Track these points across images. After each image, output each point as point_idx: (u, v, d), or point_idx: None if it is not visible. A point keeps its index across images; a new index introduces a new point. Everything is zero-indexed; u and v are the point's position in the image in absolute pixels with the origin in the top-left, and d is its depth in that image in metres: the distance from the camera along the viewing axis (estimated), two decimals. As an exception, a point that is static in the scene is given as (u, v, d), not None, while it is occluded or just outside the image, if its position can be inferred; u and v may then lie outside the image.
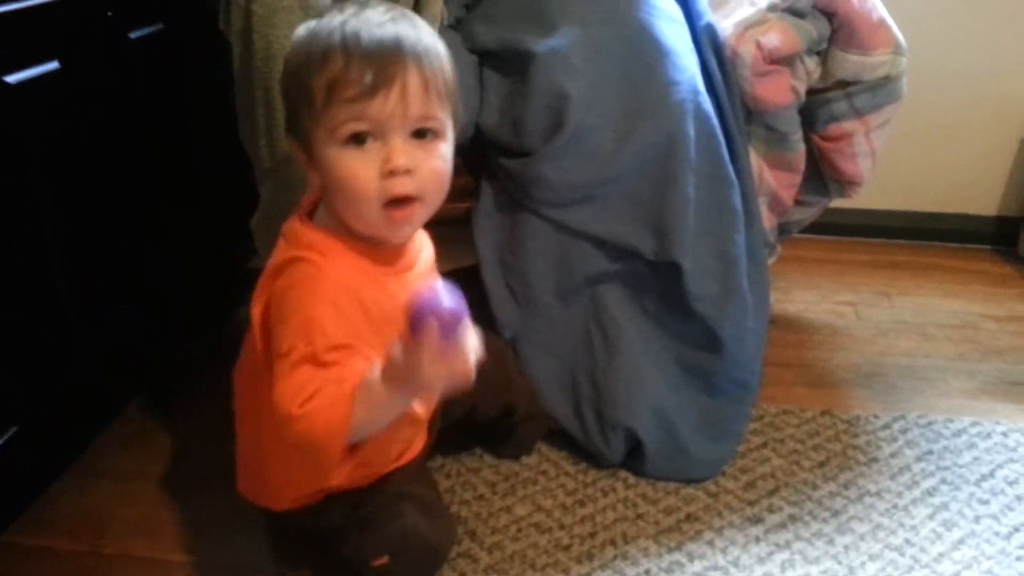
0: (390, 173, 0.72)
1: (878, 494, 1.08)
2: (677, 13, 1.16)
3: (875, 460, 1.14)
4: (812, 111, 1.23)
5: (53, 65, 1.01)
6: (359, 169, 0.73)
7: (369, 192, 0.73)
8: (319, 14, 0.78)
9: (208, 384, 1.29)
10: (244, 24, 0.97)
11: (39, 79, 0.98)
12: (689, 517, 1.03)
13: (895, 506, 1.05)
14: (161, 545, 0.98)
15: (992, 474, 1.11)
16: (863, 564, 0.97)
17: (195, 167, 1.33)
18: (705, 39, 1.14)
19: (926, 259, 1.73)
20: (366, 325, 0.75)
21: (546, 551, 0.98)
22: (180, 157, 1.29)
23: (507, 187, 1.14)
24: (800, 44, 1.14)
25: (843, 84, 1.20)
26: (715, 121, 1.09)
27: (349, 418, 0.68)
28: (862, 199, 1.60)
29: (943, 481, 1.10)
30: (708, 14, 1.17)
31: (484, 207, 1.16)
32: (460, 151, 1.14)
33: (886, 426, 1.21)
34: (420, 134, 0.74)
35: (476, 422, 1.07)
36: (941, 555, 0.98)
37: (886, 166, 1.31)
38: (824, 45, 1.18)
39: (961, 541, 1.00)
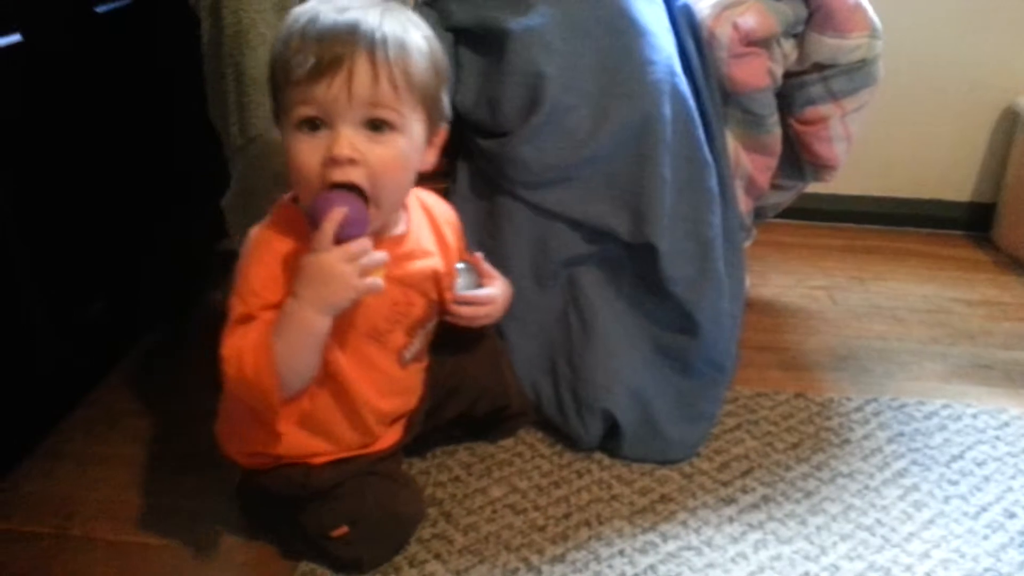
0: (331, 161, 0.72)
1: (850, 475, 1.08)
2: (654, -7, 1.15)
3: (847, 442, 1.15)
4: (788, 94, 1.23)
5: (15, 38, 0.98)
6: (304, 153, 0.74)
7: (311, 177, 0.74)
8: None
9: (177, 367, 1.27)
10: (213, -2, 0.95)
11: (0, 52, 0.96)
12: (663, 498, 1.04)
13: (866, 487, 1.06)
14: (129, 529, 0.97)
15: (962, 455, 1.12)
16: (835, 544, 0.97)
17: (163, 146, 1.31)
18: (682, 19, 1.13)
19: (900, 244, 1.75)
20: None
21: (521, 532, 0.98)
22: (148, 135, 1.27)
23: (483, 168, 1.13)
24: (777, 26, 1.13)
25: (819, 67, 1.20)
26: (692, 102, 1.09)
27: (271, 350, 0.74)
28: (837, 184, 1.61)
29: (914, 462, 1.11)
30: (685, -6, 1.16)
31: (460, 189, 1.15)
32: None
33: (859, 408, 1.22)
34: (375, 126, 0.74)
35: (465, 420, 1.08)
36: (911, 535, 0.99)
37: (860, 152, 1.31)
38: (801, 28, 1.18)
39: (931, 521, 1.01)
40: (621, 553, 0.95)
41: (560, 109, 1.05)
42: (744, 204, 1.26)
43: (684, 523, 1.00)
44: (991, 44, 1.66)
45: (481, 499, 1.02)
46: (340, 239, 0.73)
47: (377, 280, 0.75)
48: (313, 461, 0.88)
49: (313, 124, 0.73)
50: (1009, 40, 1.66)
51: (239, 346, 0.76)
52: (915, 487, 1.06)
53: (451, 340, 1.00)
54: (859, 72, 1.20)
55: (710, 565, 0.94)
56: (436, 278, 0.90)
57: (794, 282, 1.59)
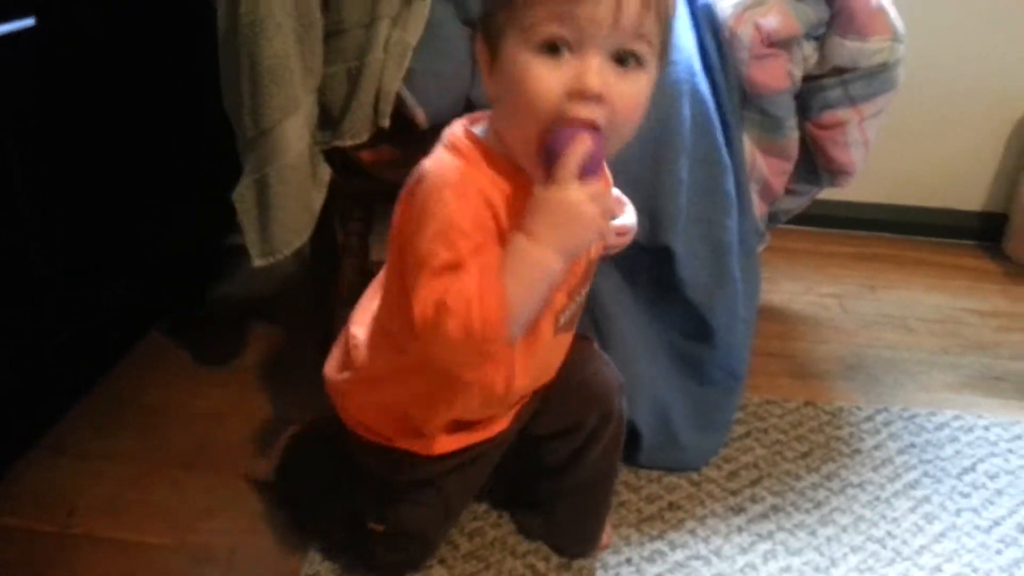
0: (578, 93, 0.62)
1: (860, 486, 1.07)
2: (675, -8, 1.13)
3: (858, 452, 1.14)
4: (807, 98, 1.22)
5: (29, 22, 0.97)
6: (544, 80, 0.62)
7: (547, 107, 0.63)
8: None
9: (184, 361, 1.26)
10: (230, -14, 0.93)
11: (14, 36, 0.94)
12: (671, 506, 1.02)
13: (877, 498, 1.05)
14: (131, 526, 0.95)
15: (973, 467, 1.11)
16: (845, 556, 0.96)
17: (175, 136, 1.29)
18: (703, 19, 1.12)
19: (911, 253, 1.74)
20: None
21: (526, 538, 0.96)
22: (159, 125, 1.25)
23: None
24: (799, 27, 1.12)
25: (839, 71, 1.18)
26: (711, 103, 1.07)
27: (503, 296, 0.63)
28: (849, 192, 1.59)
29: (925, 474, 1.10)
30: (707, -6, 1.15)
31: (472, 186, 1.13)
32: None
33: (869, 418, 1.21)
34: (622, 60, 0.64)
35: (531, 436, 0.91)
36: (922, 547, 0.98)
37: (874, 159, 1.30)
38: (822, 30, 1.16)
39: (942, 534, 1.00)
40: (628, 561, 0.94)
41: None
42: (758, 208, 1.25)
43: (692, 532, 0.99)
44: (1007, 54, 1.65)
45: (487, 504, 1.00)
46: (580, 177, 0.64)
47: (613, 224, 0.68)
48: (430, 450, 0.82)
49: (554, 47, 0.62)
50: (1025, 50, 1.64)
51: (464, 294, 0.63)
52: (926, 499, 1.05)
53: None
54: (879, 77, 1.18)
55: (719, 575, 0.93)
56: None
57: (804, 289, 1.58)
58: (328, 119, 1.04)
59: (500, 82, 0.66)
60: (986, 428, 1.19)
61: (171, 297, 1.37)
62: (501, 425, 0.86)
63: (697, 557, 0.95)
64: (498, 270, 0.64)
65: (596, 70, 0.62)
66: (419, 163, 0.71)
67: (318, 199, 1.03)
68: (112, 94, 1.14)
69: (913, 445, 1.15)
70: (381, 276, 0.85)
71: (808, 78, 1.20)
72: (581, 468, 0.90)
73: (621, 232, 0.84)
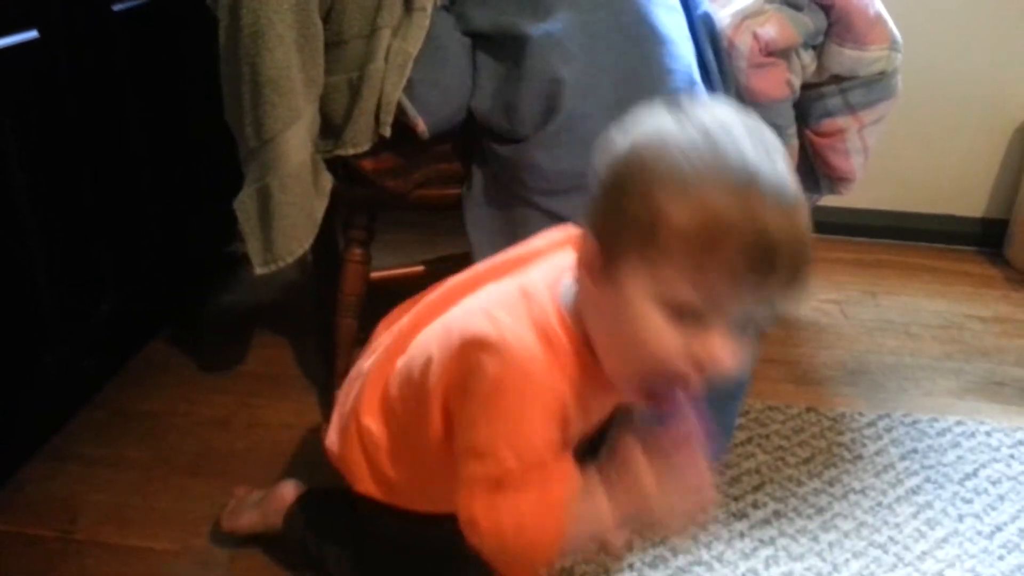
0: (702, 366, 0.58)
1: (862, 491, 1.07)
2: (674, 1, 1.14)
3: (860, 457, 1.13)
4: (806, 106, 1.22)
5: (32, 34, 0.98)
6: (665, 338, 0.57)
7: (662, 361, 0.58)
8: None
9: (185, 369, 1.26)
10: (232, -2, 0.94)
11: (16, 48, 0.95)
12: (674, 511, 1.02)
13: (879, 504, 1.05)
14: (134, 532, 0.96)
15: (975, 473, 1.11)
16: (847, 561, 0.96)
17: (176, 146, 1.30)
18: (702, 28, 1.12)
19: (912, 259, 1.74)
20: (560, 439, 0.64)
21: (529, 543, 0.96)
22: (161, 136, 1.26)
23: (498, 174, 1.12)
24: (797, 36, 1.12)
25: (838, 79, 1.19)
26: (710, 111, 1.08)
27: (563, 528, 0.60)
28: (850, 198, 1.59)
29: (927, 480, 1.10)
30: (705, 3, 1.15)
31: (475, 195, 1.14)
32: (451, 136, 1.12)
33: (871, 424, 1.21)
34: (743, 326, 0.58)
35: None
36: (924, 553, 0.98)
37: (874, 165, 1.30)
38: (820, 39, 1.17)
39: (944, 540, 1.00)
40: (631, 567, 0.94)
41: (577, 116, 1.04)
42: (759, 215, 1.25)
43: (694, 537, 0.99)
44: (1007, 61, 1.65)
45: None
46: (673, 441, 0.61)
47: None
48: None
49: (681, 310, 0.56)
50: (1025, 57, 1.65)
51: (518, 515, 0.60)
52: (928, 505, 1.05)
53: None
54: (878, 84, 1.19)
55: (721, 581, 0.93)
56: None
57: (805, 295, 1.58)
58: (330, 128, 1.05)
59: (608, 303, 0.60)
60: (988, 434, 1.19)
61: (173, 305, 1.38)
62: None
63: (699, 563, 0.95)
64: (563, 501, 0.60)
65: (727, 347, 0.57)
66: (494, 318, 0.63)
67: (320, 207, 1.04)
68: (113, 105, 1.15)
69: (915, 451, 1.15)
70: (381, 355, 0.78)
71: (807, 86, 1.21)
72: None
73: None
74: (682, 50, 1.07)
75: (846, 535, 1.00)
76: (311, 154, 1.02)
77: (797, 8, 1.14)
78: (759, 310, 0.57)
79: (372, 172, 1.07)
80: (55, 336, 1.07)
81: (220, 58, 1.00)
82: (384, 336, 0.81)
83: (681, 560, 0.95)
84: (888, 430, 1.19)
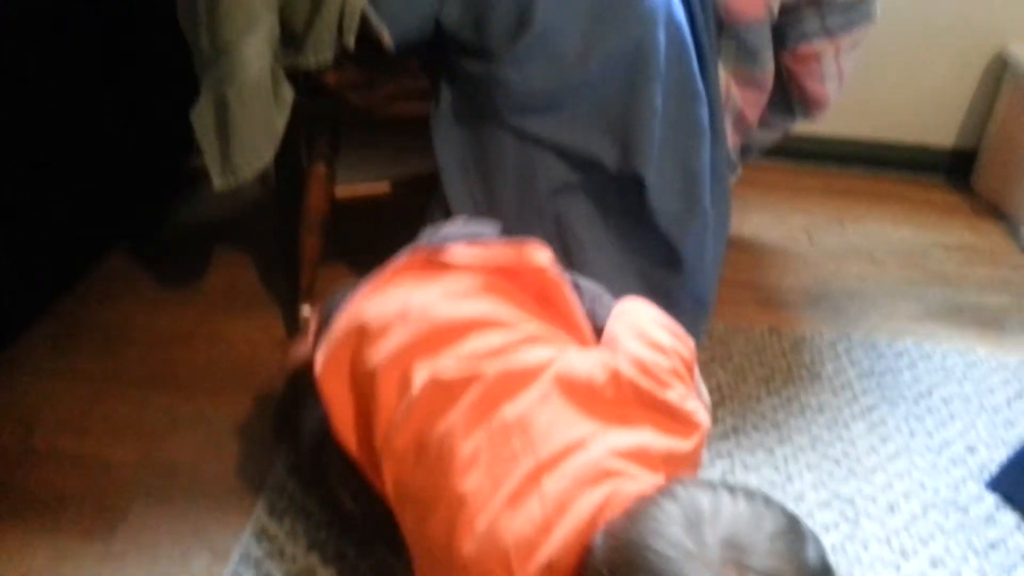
0: None
1: (819, 409, 1.10)
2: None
3: (818, 377, 1.16)
4: (783, 29, 1.20)
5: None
6: None
7: None
8: None
9: (142, 285, 1.25)
10: None
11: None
12: (636, 427, 1.05)
13: (835, 420, 1.08)
14: (93, 442, 0.96)
15: (929, 393, 1.14)
16: (801, 473, 0.99)
17: (130, 52, 1.25)
18: (679, -57, 1.09)
19: (881, 187, 1.75)
20: None
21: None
22: (114, 41, 1.21)
23: (467, 91, 1.10)
24: (775, -46, 1.10)
25: (816, 2, 1.17)
26: (687, 31, 1.06)
27: None
28: (822, 126, 1.59)
29: (882, 398, 1.13)
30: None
31: (443, 113, 1.12)
32: (418, 50, 1.09)
33: (831, 345, 1.23)
34: None
35: None
36: (876, 466, 1.01)
37: (847, 93, 1.29)
38: (799, -43, 1.14)
39: (896, 454, 1.03)
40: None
41: (549, 31, 1.01)
42: (732, 140, 1.24)
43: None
44: (985, -14, 1.63)
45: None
46: None
47: None
48: None
49: None
50: (1004, -16, 1.63)
51: None
52: (882, 422, 1.08)
53: None
54: (856, 9, 1.17)
55: (679, 492, 0.95)
56: None
57: (774, 221, 1.59)
58: (291, 38, 1.01)
59: None
60: (944, 356, 1.22)
61: (131, 219, 1.35)
62: None
63: (658, 475, 0.97)
64: None
65: None
66: None
67: (280, 120, 1.02)
68: (65, 11, 1.10)
69: (872, 371, 1.18)
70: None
71: (785, 9, 1.18)
72: None
73: None
74: (658, -36, 1.04)
75: (801, 449, 1.03)
76: (270, 64, 0.98)
77: (776, -75, 1.11)
78: None
79: (335, 85, 1.04)
80: (7, 248, 1.05)
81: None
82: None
83: (641, 472, 0.98)
84: (847, 351, 1.22)
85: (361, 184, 1.23)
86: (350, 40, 0.99)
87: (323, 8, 0.98)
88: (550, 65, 1.03)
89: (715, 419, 1.07)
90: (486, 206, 1.09)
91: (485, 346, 0.70)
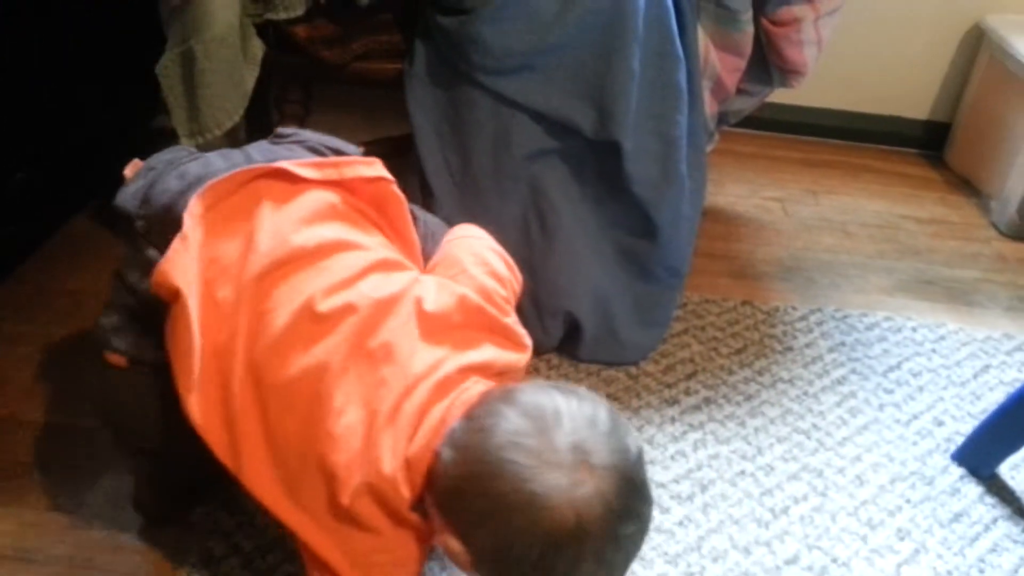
0: None
1: (790, 381, 1.10)
2: None
3: (790, 349, 1.16)
4: (764, -8, 1.18)
5: None
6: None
7: None
8: None
9: (108, 249, 1.20)
10: None
11: None
12: (609, 397, 1.04)
13: (805, 393, 1.09)
14: (60, 409, 0.93)
15: (899, 366, 1.15)
16: (771, 445, 1.00)
17: (92, 6, 1.20)
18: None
19: (855, 160, 1.75)
20: None
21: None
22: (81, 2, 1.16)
23: (443, 49, 1.07)
24: (759, -85, 1.07)
25: (798, -36, 1.15)
26: (666, -9, 1.03)
27: None
28: (798, 96, 1.58)
29: (853, 371, 1.13)
30: None
31: (418, 71, 1.08)
32: (391, 5, 1.06)
33: (803, 318, 1.23)
34: None
35: None
36: (845, 439, 1.02)
37: (823, 64, 1.28)
38: (783, -80, 1.12)
39: (865, 427, 1.04)
40: (564, 448, 0.96)
41: (527, -14, 0.98)
42: (710, 106, 1.23)
43: (628, 421, 1.00)
44: (966, -42, 1.62)
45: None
46: None
47: None
48: None
49: None
50: (983, -45, 1.62)
51: None
52: (852, 394, 1.09)
53: None
54: (837, -28, 1.15)
55: (650, 462, 0.95)
56: None
57: (749, 192, 1.58)
58: (260, -10, 0.97)
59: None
60: (914, 329, 1.23)
61: (94, 182, 1.30)
62: None
63: (630, 446, 0.97)
64: None
65: None
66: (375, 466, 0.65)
67: (250, 77, 0.98)
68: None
69: (843, 344, 1.19)
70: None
71: (766, -30, 1.17)
72: None
73: None
74: (640, -78, 1.01)
75: (772, 421, 1.03)
76: (239, 17, 0.95)
77: None
78: None
79: (306, 40, 1.01)
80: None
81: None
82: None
83: (613, 443, 0.97)
84: (819, 324, 1.22)
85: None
86: (321, -7, 0.95)
87: (293, -41, 0.94)
88: (526, 23, 1.00)
89: (688, 390, 1.07)
90: (461, 170, 1.07)
91: (347, 271, 0.71)
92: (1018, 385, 0.95)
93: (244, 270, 0.69)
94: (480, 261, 0.80)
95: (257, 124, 1.25)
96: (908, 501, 0.94)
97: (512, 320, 0.78)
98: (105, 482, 0.87)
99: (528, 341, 0.78)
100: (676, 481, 0.94)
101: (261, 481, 0.67)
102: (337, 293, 0.69)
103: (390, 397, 0.66)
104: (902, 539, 0.90)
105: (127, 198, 0.76)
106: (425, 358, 0.69)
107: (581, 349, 1.09)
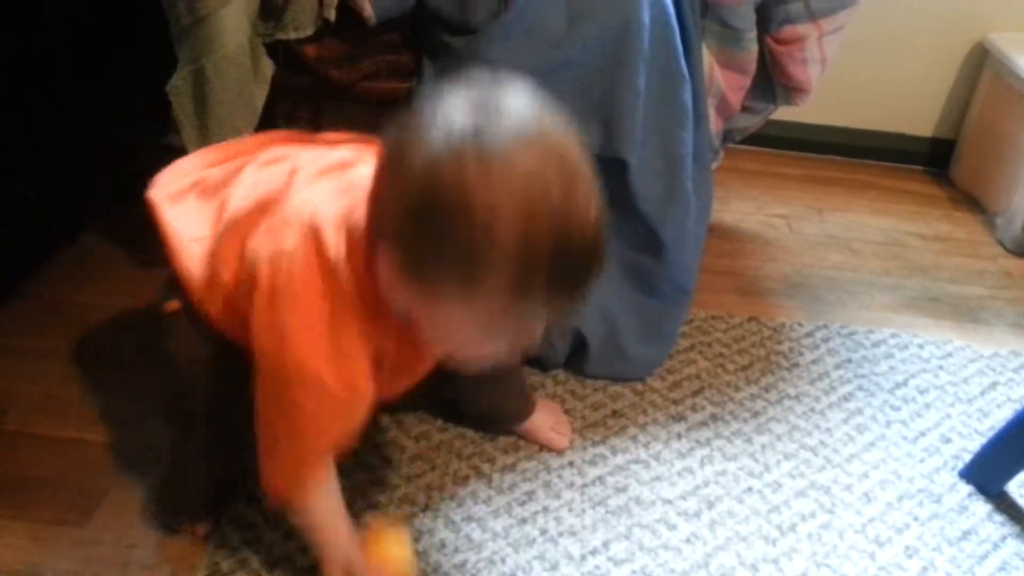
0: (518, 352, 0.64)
1: (797, 398, 1.10)
2: None
3: (796, 366, 1.16)
4: (768, 11, 1.19)
5: None
6: (488, 348, 0.63)
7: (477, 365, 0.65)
8: None
9: (117, 263, 1.21)
10: None
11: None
12: (615, 413, 1.04)
13: (812, 409, 1.09)
14: (69, 424, 0.93)
15: (905, 383, 1.15)
16: (778, 462, 1.00)
17: (105, 24, 1.21)
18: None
19: (860, 176, 1.75)
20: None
21: (473, 441, 0.97)
22: (88, 13, 1.17)
23: (451, 68, 1.08)
24: (763, -65, 1.09)
25: (801, -16, 1.16)
26: (672, 11, 1.04)
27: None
28: (802, 113, 1.59)
29: (859, 388, 1.13)
30: None
31: (427, 91, 1.10)
32: (400, 24, 1.07)
33: (809, 334, 1.23)
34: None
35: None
36: (852, 456, 1.02)
37: (827, 81, 1.29)
38: (787, -60, 1.13)
39: (872, 444, 1.04)
40: (571, 464, 0.96)
41: (533, 7, 0.99)
42: (714, 124, 1.23)
43: (634, 438, 1.01)
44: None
45: (433, 408, 1.01)
46: None
47: None
48: None
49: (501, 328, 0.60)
50: (986, -25, 1.63)
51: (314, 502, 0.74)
52: (859, 411, 1.09)
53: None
54: (840, -8, 1.16)
55: (657, 478, 0.95)
56: None
57: (754, 209, 1.59)
58: (270, 10, 0.99)
59: (419, 312, 0.62)
60: (920, 346, 1.23)
61: (104, 197, 1.31)
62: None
63: (637, 461, 0.97)
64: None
65: (536, 328, 0.62)
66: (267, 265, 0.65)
67: (260, 95, 0.99)
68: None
69: (850, 360, 1.19)
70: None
71: (770, -10, 1.18)
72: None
73: None
74: (645, -57, 1.03)
75: (779, 438, 1.03)
76: (249, 36, 0.96)
77: (764, -95, 1.09)
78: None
79: (315, 59, 1.02)
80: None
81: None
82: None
83: (620, 458, 0.97)
84: (825, 340, 1.22)
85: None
86: (331, 13, 0.97)
87: (303, -21, 0.95)
88: (533, 42, 1.01)
89: (695, 407, 1.07)
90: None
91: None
92: (1026, 402, 0.95)
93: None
94: None
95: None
96: (916, 519, 0.94)
97: None
98: (113, 498, 0.87)
99: None
100: (683, 498, 0.93)
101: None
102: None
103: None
104: (910, 557, 0.89)
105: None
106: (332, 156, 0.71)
107: (587, 365, 1.09)
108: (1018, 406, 1.07)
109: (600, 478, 0.94)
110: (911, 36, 1.69)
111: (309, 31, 0.98)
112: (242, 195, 0.72)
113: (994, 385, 1.16)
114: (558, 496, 0.92)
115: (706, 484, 0.95)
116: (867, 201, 1.66)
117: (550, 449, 0.97)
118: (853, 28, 1.26)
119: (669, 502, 0.93)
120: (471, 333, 0.61)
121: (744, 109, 1.29)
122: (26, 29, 1.06)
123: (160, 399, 0.85)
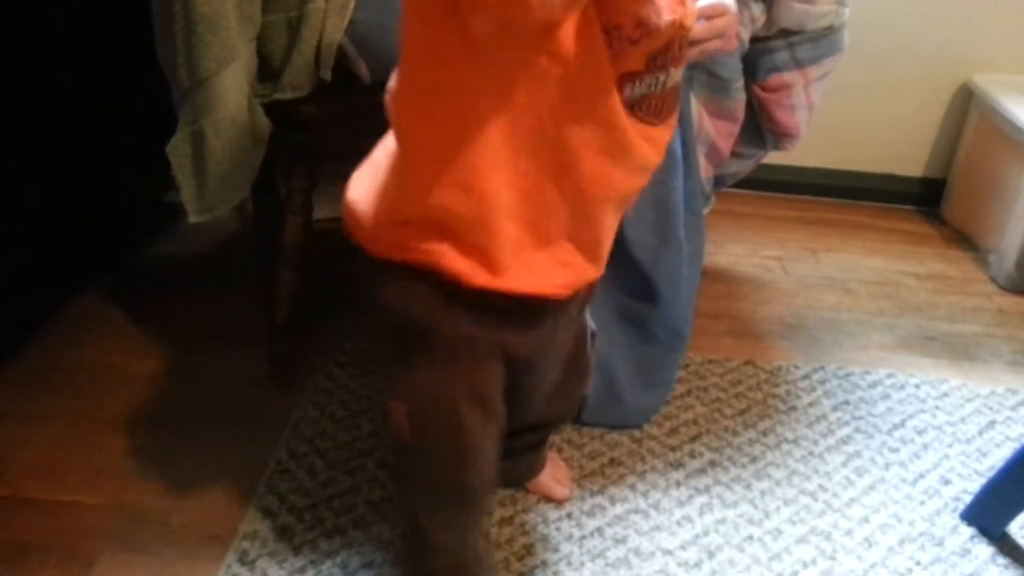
0: None
1: (795, 441, 1.10)
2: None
3: (794, 409, 1.17)
4: (754, 60, 1.22)
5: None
6: None
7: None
8: None
9: (115, 324, 1.23)
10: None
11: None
12: (613, 462, 1.04)
13: (811, 453, 1.08)
14: (64, 487, 0.93)
15: (903, 424, 1.15)
16: (778, 508, 0.99)
17: (105, 88, 1.24)
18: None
19: (852, 217, 1.77)
20: None
21: (470, 493, 0.97)
22: (89, 77, 1.20)
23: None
24: (746, -11, 1.12)
25: (786, 33, 1.19)
26: (658, 64, 1.07)
27: None
28: (794, 156, 1.61)
29: (857, 430, 1.13)
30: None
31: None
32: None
33: (806, 376, 1.24)
34: None
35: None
36: (852, 500, 1.01)
37: (817, 124, 1.32)
38: (770, -8, 1.16)
39: (871, 487, 1.04)
40: (569, 516, 0.96)
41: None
42: (705, 170, 1.26)
43: (632, 487, 1.01)
44: (951, 22, 1.67)
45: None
46: None
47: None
48: (486, 277, 0.63)
49: None
50: (968, 18, 1.67)
51: None
52: (857, 454, 1.09)
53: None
54: (825, 40, 1.19)
55: (656, 528, 0.95)
56: None
57: (748, 252, 1.60)
58: (268, 71, 1.01)
59: None
60: (917, 386, 1.23)
61: (103, 258, 1.33)
62: (574, 276, 0.69)
63: (636, 511, 0.97)
64: None
65: None
66: None
67: (257, 154, 1.01)
68: (38, 46, 1.09)
69: (847, 402, 1.19)
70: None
71: (756, 40, 1.20)
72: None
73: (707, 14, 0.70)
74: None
75: (778, 483, 1.03)
76: (248, 97, 0.98)
77: (747, -40, 1.13)
78: None
79: (312, 118, 1.04)
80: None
81: (150, -5, 0.95)
82: None
83: (619, 508, 0.97)
84: (822, 382, 1.23)
85: (339, 217, 1.23)
86: (327, 74, 0.99)
87: (300, 42, 0.98)
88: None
89: (693, 453, 1.07)
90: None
91: None
92: None
93: None
94: None
95: (263, 198, 1.29)
96: (918, 563, 0.93)
97: None
98: (106, 561, 0.87)
99: None
100: (683, 548, 0.93)
101: None
102: None
103: None
104: (914, 603, 0.89)
105: None
106: None
107: (584, 413, 1.09)
108: (1017, 445, 1.07)
109: (599, 529, 0.94)
110: (898, 79, 1.73)
111: (306, 91, 1.00)
112: None
113: (992, 424, 1.16)
114: (556, 550, 0.91)
115: (706, 533, 0.95)
116: (860, 241, 1.67)
117: (550, 500, 0.97)
118: (841, 72, 1.29)
119: (669, 552, 0.92)
120: None
121: (734, 155, 1.31)
122: (32, 93, 1.09)
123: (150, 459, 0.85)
